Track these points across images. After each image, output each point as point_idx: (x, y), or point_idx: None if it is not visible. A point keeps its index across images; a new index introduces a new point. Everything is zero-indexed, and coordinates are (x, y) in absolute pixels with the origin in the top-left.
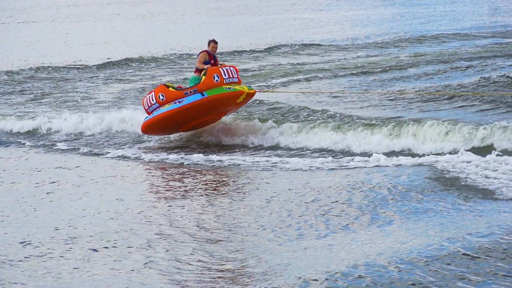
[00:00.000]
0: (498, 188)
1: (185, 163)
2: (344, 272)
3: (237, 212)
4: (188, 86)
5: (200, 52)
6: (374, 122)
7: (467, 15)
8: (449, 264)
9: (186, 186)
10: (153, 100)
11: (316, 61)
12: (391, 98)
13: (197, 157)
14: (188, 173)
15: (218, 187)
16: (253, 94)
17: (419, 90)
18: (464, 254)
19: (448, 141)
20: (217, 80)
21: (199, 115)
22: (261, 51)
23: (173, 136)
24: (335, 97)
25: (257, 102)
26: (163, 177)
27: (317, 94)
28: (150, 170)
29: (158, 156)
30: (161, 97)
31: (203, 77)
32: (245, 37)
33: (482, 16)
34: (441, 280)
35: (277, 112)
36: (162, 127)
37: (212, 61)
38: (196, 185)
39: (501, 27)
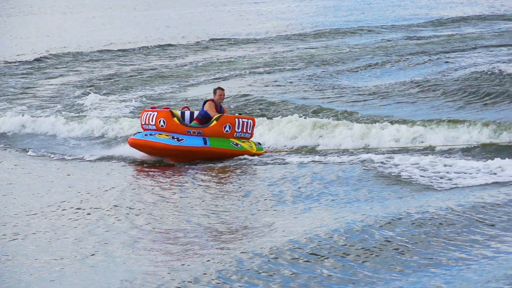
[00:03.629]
0: (430, 183)
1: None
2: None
3: (169, 206)
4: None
5: (206, 101)
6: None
7: (404, 6)
8: (375, 251)
9: (136, 181)
10: (152, 121)
11: (253, 55)
12: (344, 93)
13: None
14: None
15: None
16: (260, 154)
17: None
18: (391, 243)
19: (380, 137)
20: (227, 131)
21: (194, 158)
22: (196, 45)
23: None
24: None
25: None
26: (101, 173)
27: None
28: (87, 168)
29: (93, 154)
30: (161, 123)
31: (214, 121)
32: (181, 30)
33: (421, 8)
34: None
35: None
36: (150, 152)
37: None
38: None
39: (438, 16)
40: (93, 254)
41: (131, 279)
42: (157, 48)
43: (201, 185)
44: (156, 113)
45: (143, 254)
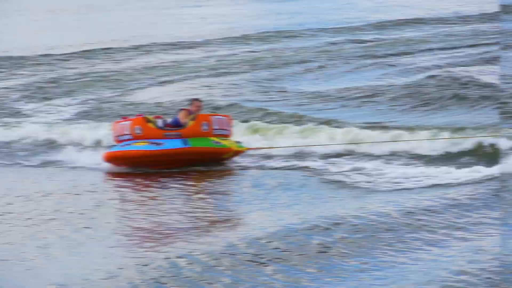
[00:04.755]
0: (371, 187)
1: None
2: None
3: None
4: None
5: (180, 110)
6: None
7: (346, 9)
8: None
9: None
10: (127, 131)
11: (197, 58)
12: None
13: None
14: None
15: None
16: (242, 152)
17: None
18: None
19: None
20: (205, 129)
21: (175, 162)
22: (139, 48)
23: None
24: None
25: None
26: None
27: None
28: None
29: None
30: (137, 130)
31: (191, 122)
32: (123, 34)
33: (362, 11)
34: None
35: None
36: (130, 164)
37: None
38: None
39: (381, 19)
40: (33, 259)
41: (69, 283)
42: (100, 52)
43: (141, 189)
44: (129, 122)
45: (83, 257)
